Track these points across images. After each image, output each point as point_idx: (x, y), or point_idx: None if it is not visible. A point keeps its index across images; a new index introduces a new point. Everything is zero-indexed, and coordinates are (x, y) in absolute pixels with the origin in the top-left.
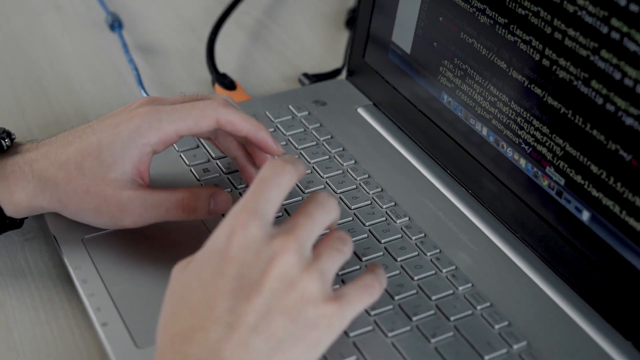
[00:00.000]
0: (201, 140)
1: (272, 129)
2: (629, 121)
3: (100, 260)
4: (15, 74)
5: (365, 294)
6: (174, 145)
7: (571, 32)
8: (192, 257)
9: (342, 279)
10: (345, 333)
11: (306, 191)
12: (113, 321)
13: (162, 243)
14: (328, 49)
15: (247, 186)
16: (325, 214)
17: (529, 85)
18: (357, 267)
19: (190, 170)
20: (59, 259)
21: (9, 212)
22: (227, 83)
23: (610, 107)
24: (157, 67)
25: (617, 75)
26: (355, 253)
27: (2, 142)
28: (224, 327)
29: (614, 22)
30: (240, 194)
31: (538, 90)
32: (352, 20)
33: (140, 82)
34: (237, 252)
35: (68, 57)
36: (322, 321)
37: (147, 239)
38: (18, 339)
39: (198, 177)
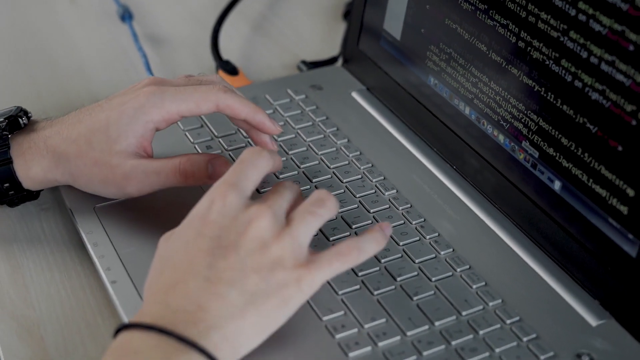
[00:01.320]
0: (205, 120)
1: (271, 111)
2: (594, 96)
3: (110, 227)
4: (31, 61)
5: (337, 261)
6: (180, 124)
7: (543, 15)
8: (175, 229)
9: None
10: (335, 291)
11: (301, 166)
12: (121, 279)
13: (166, 211)
14: (326, 39)
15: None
16: (290, 192)
17: (506, 66)
18: (347, 233)
19: (195, 147)
20: (72, 227)
21: (26, 185)
22: (229, 69)
23: (578, 84)
24: (164, 55)
25: (584, 54)
26: (345, 221)
27: (20, 120)
28: (203, 280)
29: (581, 5)
30: None
31: (514, 70)
32: (349, 13)
33: (148, 68)
34: (216, 217)
35: (81, 45)
36: (292, 283)
37: (152, 208)
38: (35, 296)
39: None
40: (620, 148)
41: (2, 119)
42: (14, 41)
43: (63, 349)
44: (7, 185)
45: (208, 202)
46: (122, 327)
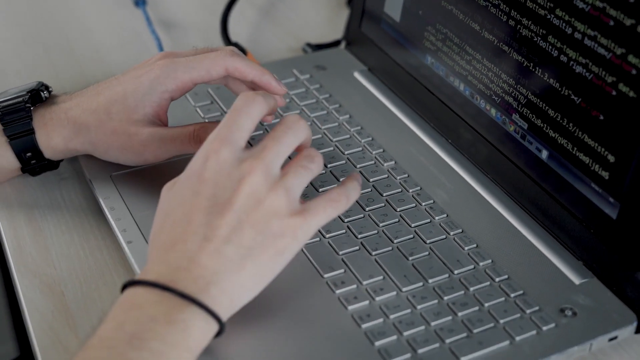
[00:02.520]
0: (215, 96)
1: None
2: (578, 69)
3: (126, 192)
4: (50, 43)
5: (330, 207)
6: (190, 100)
7: None
8: (177, 178)
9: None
10: (335, 251)
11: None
12: (136, 240)
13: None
14: (330, 24)
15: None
16: (293, 136)
17: (498, 44)
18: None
19: (205, 121)
20: (90, 195)
21: (48, 154)
22: (236, 47)
23: (563, 58)
24: (176, 38)
25: (569, 30)
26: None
27: (42, 93)
28: (200, 238)
29: None
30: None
31: (505, 48)
32: None
33: (161, 50)
34: (211, 174)
35: (98, 29)
36: (288, 231)
37: (164, 175)
38: (55, 256)
39: None
40: (601, 117)
41: (25, 93)
42: (34, 25)
43: (82, 303)
44: (29, 154)
45: (203, 157)
46: (129, 284)
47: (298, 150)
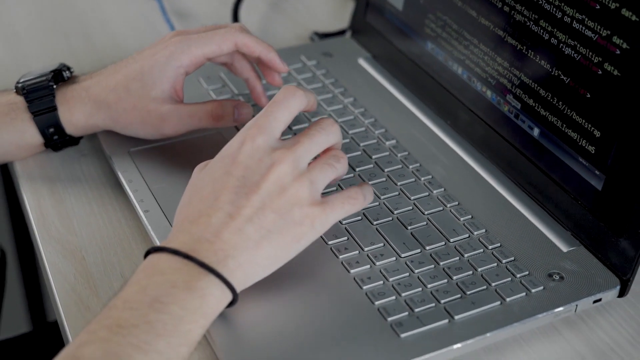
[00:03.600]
0: (227, 80)
1: (285, 74)
2: (567, 51)
3: (143, 167)
4: (69, 32)
5: (348, 203)
6: (203, 83)
7: None
8: (210, 160)
9: (339, 184)
10: (339, 221)
11: (312, 119)
12: (153, 209)
13: (192, 154)
14: (337, 15)
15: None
16: (325, 136)
17: (493, 29)
18: (351, 175)
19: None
20: (109, 170)
21: (69, 130)
22: None
23: (553, 41)
24: (189, 27)
25: (559, 14)
26: (350, 165)
27: (64, 73)
28: (225, 215)
29: None
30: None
31: (500, 32)
32: None
33: None
34: (244, 158)
35: (115, 19)
36: (307, 220)
37: (180, 150)
38: (77, 225)
39: None
40: (588, 95)
41: (48, 72)
42: (55, 15)
43: (102, 268)
44: (52, 130)
45: (239, 142)
46: (152, 250)
47: (327, 151)
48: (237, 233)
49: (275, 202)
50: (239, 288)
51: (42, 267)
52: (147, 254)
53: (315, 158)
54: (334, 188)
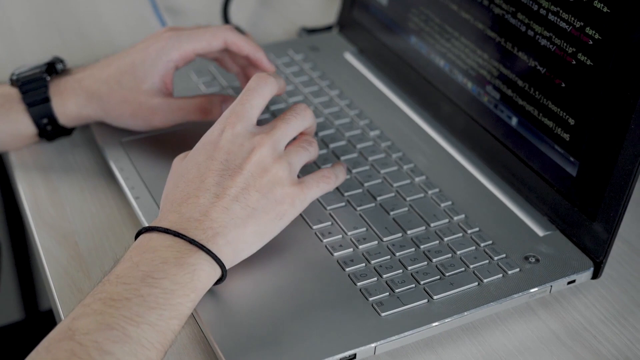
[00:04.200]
0: (216, 73)
1: (273, 68)
2: (543, 42)
3: (134, 156)
4: (64, 28)
5: (322, 182)
6: (194, 75)
7: None
8: (189, 151)
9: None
10: (324, 206)
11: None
12: (144, 196)
13: (181, 144)
14: (324, 12)
15: None
16: (300, 120)
17: (473, 22)
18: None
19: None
20: (101, 160)
21: (62, 121)
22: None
23: (530, 33)
24: (180, 23)
25: (535, 7)
26: (335, 154)
27: (57, 66)
28: (212, 195)
29: None
30: None
31: (480, 25)
32: None
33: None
34: (225, 143)
35: (108, 14)
36: (287, 199)
37: (170, 141)
38: (70, 212)
39: None
40: (563, 85)
41: (42, 65)
42: (49, 12)
43: (94, 252)
44: (45, 121)
45: (220, 129)
46: (143, 230)
47: (299, 137)
48: (224, 212)
49: (258, 182)
50: (228, 265)
51: (36, 252)
52: (138, 234)
53: (289, 143)
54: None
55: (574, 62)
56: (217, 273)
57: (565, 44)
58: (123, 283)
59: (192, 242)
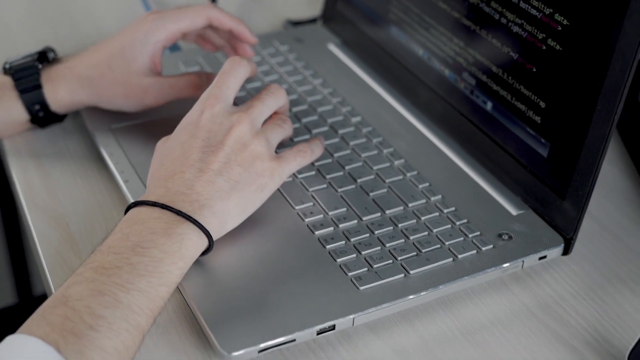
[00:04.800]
0: (204, 64)
1: (259, 58)
2: (515, 29)
3: (124, 142)
4: (55, 21)
5: (299, 156)
6: (183, 65)
7: None
8: (171, 135)
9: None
10: (306, 188)
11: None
12: (133, 179)
13: (167, 130)
14: (309, 5)
15: None
16: (274, 100)
17: (450, 12)
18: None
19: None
20: (92, 146)
21: (54, 107)
22: None
23: (503, 20)
24: None
25: None
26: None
27: (48, 55)
28: (196, 170)
29: None
30: None
31: (456, 14)
32: None
33: None
34: (206, 122)
35: (98, 7)
36: (267, 172)
37: (157, 129)
38: (61, 196)
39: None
40: (534, 70)
41: (34, 53)
42: (43, 6)
43: (84, 232)
44: (37, 107)
45: (199, 111)
46: (132, 205)
47: (274, 114)
48: (209, 185)
49: (239, 157)
50: (214, 235)
51: (29, 234)
52: (128, 209)
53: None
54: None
55: (544, 48)
56: (204, 243)
57: (535, 30)
58: (114, 253)
59: (179, 213)
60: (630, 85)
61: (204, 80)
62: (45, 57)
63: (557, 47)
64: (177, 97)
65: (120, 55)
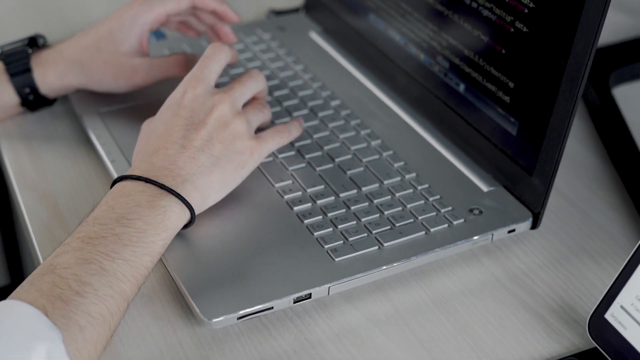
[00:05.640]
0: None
1: (242, 46)
2: (485, 13)
3: (111, 125)
4: (45, 10)
5: (277, 136)
6: (168, 51)
7: None
8: (156, 114)
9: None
10: (285, 167)
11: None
12: (119, 159)
13: (153, 113)
14: None
15: None
16: (254, 84)
17: None
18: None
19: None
20: (80, 130)
21: (43, 90)
22: None
23: (474, 5)
24: None
25: None
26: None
27: (38, 40)
28: (179, 146)
29: None
30: None
31: (430, 0)
32: None
33: None
34: (188, 102)
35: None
36: (247, 151)
37: (143, 113)
38: (51, 177)
39: None
40: (503, 51)
41: (24, 39)
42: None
43: (72, 209)
44: (27, 90)
45: (182, 92)
46: (118, 179)
47: (254, 100)
48: (191, 161)
49: (221, 135)
50: (196, 209)
51: (19, 212)
52: (114, 183)
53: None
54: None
55: (512, 30)
56: (187, 215)
57: (504, 14)
58: (100, 224)
59: (162, 187)
60: (600, 71)
61: (189, 60)
62: (35, 43)
63: (524, 29)
64: (164, 76)
65: (109, 38)
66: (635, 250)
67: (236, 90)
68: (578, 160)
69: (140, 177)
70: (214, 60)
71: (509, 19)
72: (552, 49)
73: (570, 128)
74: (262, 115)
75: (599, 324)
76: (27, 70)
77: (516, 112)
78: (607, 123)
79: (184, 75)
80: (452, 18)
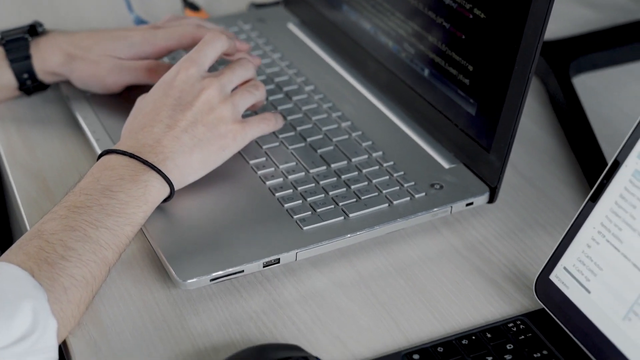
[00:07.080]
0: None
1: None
2: (447, 1)
3: (96, 107)
4: (38, 8)
5: (262, 123)
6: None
7: None
8: (150, 90)
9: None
10: (259, 146)
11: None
12: (103, 138)
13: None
14: None
15: None
16: (244, 70)
17: None
18: (273, 110)
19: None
20: (69, 114)
21: (40, 76)
22: (193, 6)
23: None
24: (146, 4)
25: None
26: (273, 105)
27: (38, 28)
28: (165, 126)
29: None
30: None
31: None
32: None
33: (129, 6)
34: (179, 83)
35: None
36: (230, 135)
37: (126, 100)
38: (40, 155)
39: None
40: (463, 37)
41: (25, 26)
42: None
43: (60, 184)
44: (26, 75)
45: (175, 72)
46: (104, 153)
47: (247, 83)
48: (174, 140)
49: (205, 118)
50: (176, 185)
51: (9, 187)
52: (100, 156)
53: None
54: None
55: (471, 17)
56: (166, 190)
57: (464, 1)
58: (85, 194)
59: (145, 162)
60: (561, 61)
61: (162, 67)
62: (35, 30)
63: (482, 15)
64: (135, 81)
65: (103, 45)
66: (577, 215)
67: (225, 76)
68: (538, 144)
69: (125, 152)
70: (211, 46)
71: (468, 6)
72: (507, 33)
73: (523, 107)
74: (252, 97)
75: (544, 285)
76: (27, 57)
77: (475, 93)
78: (567, 109)
79: (153, 82)
80: (417, 7)
